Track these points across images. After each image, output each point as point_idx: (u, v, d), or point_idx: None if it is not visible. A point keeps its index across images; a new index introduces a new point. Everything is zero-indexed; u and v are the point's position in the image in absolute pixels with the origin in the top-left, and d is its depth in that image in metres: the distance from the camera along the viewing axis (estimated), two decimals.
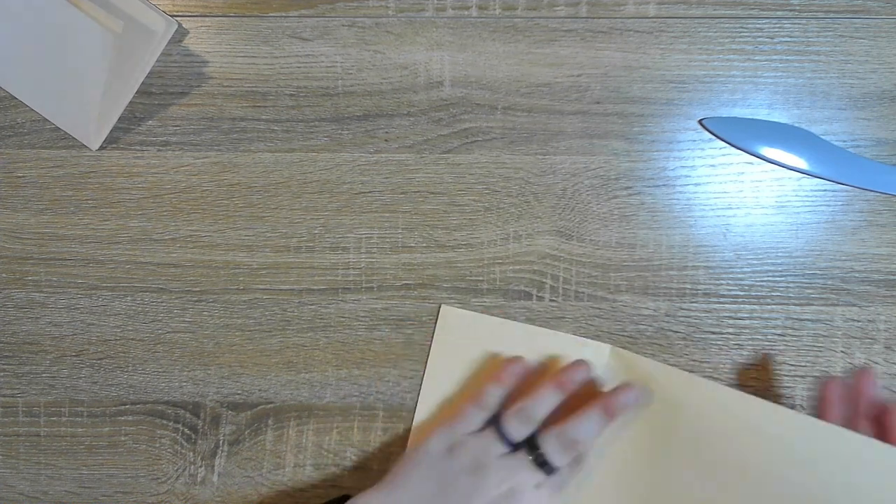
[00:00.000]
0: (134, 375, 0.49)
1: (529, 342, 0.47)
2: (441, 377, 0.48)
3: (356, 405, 0.49)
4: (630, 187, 0.47)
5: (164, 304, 0.49)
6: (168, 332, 0.49)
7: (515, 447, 0.42)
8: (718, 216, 0.47)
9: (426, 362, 0.48)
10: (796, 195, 0.47)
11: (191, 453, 0.49)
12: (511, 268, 0.48)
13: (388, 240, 0.48)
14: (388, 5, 0.47)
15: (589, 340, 0.47)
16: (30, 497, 0.49)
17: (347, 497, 0.43)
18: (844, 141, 0.47)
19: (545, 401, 0.43)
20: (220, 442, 0.49)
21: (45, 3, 0.45)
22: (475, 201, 0.48)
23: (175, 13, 0.48)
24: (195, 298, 0.49)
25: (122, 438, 0.49)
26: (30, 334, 0.49)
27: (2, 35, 0.47)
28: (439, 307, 0.48)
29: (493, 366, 0.47)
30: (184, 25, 0.48)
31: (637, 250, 0.48)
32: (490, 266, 0.48)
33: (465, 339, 0.48)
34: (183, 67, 0.48)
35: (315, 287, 0.48)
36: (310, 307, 0.48)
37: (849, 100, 0.47)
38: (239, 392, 0.49)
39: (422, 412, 0.48)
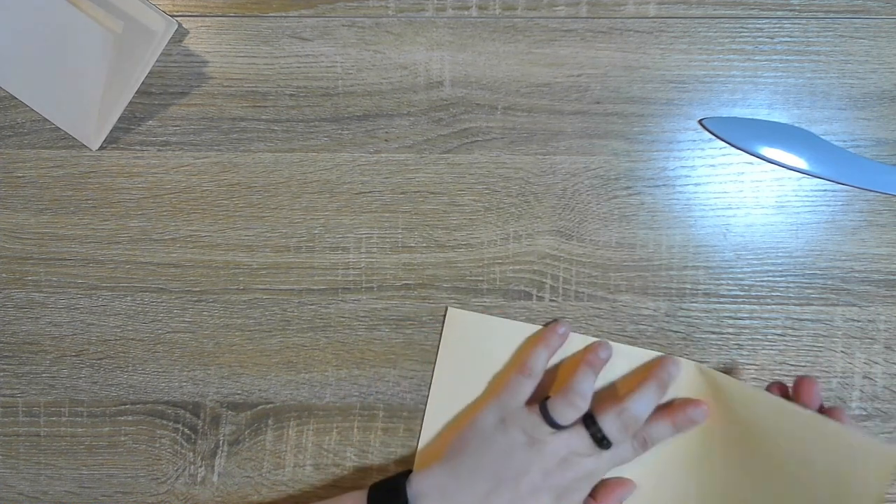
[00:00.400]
0: (134, 375, 0.49)
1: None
2: (450, 379, 0.48)
3: (356, 405, 0.49)
4: (630, 187, 0.47)
5: (164, 304, 0.49)
6: (168, 332, 0.49)
7: (563, 429, 0.43)
8: (718, 216, 0.47)
9: (434, 365, 0.48)
10: (796, 195, 0.47)
11: (191, 453, 0.49)
12: (511, 268, 0.48)
13: (388, 240, 0.48)
14: (388, 5, 0.47)
15: (590, 338, 0.47)
16: (30, 497, 0.49)
17: (409, 472, 0.44)
18: (844, 141, 0.47)
19: (585, 382, 0.44)
20: (220, 442, 0.49)
21: (45, 3, 0.46)
22: (475, 201, 0.48)
23: (175, 13, 0.48)
24: (195, 298, 0.49)
25: (122, 438, 0.49)
26: (30, 334, 0.49)
27: (2, 35, 0.47)
28: (446, 309, 0.48)
29: (516, 359, 0.47)
30: (184, 25, 0.48)
31: (637, 250, 0.48)
32: (490, 266, 0.48)
33: (473, 341, 0.48)
34: (183, 67, 0.48)
35: (315, 287, 0.48)
36: (310, 307, 0.48)
37: (849, 100, 0.47)
38: (239, 392, 0.49)
39: (432, 414, 0.48)
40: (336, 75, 0.48)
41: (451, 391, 0.48)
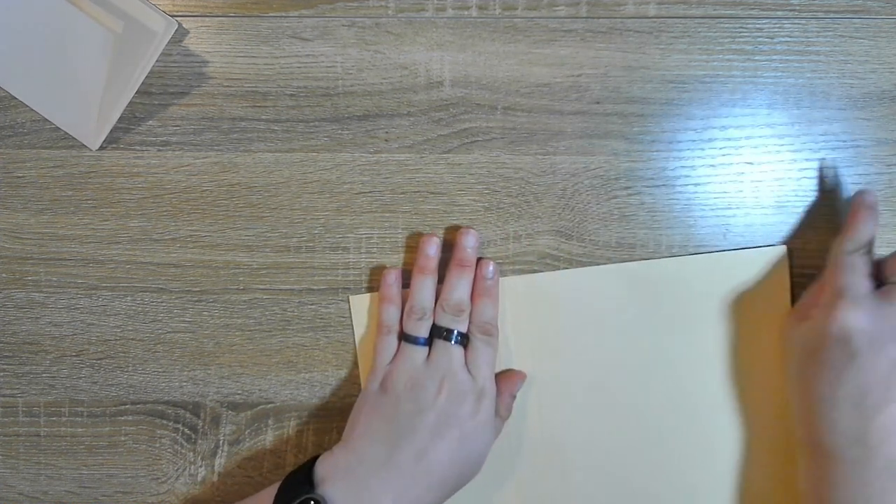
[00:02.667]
0: (134, 375, 0.49)
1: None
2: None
3: None
4: (630, 187, 0.47)
5: (164, 304, 0.49)
6: (168, 332, 0.49)
7: (428, 344, 0.44)
8: (718, 216, 0.47)
9: (355, 354, 0.48)
10: (796, 195, 0.47)
11: (191, 453, 0.49)
12: (511, 268, 0.48)
13: (388, 240, 0.48)
14: (388, 5, 0.47)
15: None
16: (30, 497, 0.49)
17: (312, 462, 0.43)
18: (844, 141, 0.47)
19: (423, 287, 0.45)
20: (220, 442, 0.49)
21: (45, 3, 0.45)
22: (475, 201, 0.48)
23: (175, 13, 0.48)
24: (195, 298, 0.49)
25: (122, 438, 0.49)
26: (30, 334, 0.49)
27: (2, 35, 0.47)
28: (348, 299, 0.48)
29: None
30: (184, 25, 0.48)
31: (637, 250, 0.48)
32: None
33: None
34: (183, 67, 0.48)
35: (315, 287, 0.48)
36: (310, 307, 0.48)
37: (849, 100, 0.47)
38: (239, 392, 0.49)
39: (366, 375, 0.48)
40: (336, 75, 0.48)
41: None
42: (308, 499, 0.40)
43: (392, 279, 0.46)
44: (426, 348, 0.44)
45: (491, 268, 0.46)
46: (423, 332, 0.44)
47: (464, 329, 0.45)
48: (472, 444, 0.43)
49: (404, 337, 0.45)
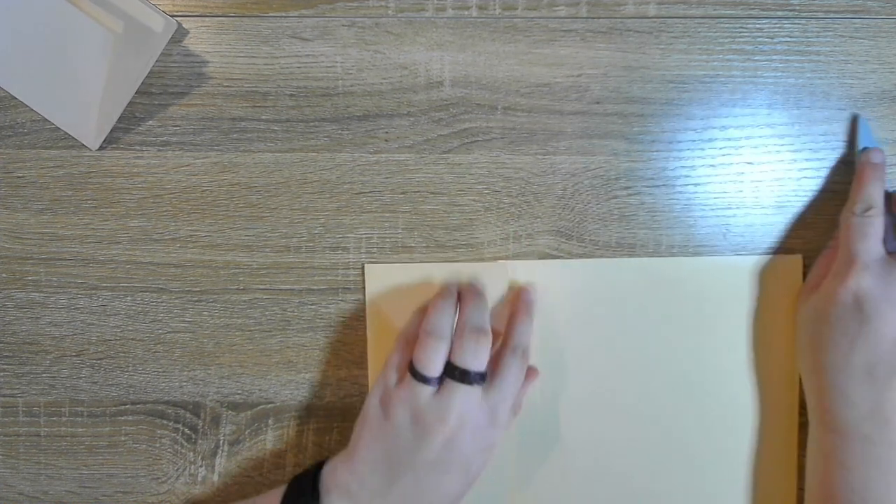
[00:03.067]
0: (134, 375, 0.49)
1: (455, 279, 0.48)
2: (383, 334, 0.48)
3: (356, 405, 0.49)
4: (630, 187, 0.47)
5: (164, 304, 0.49)
6: (168, 332, 0.49)
7: (438, 382, 0.41)
8: (718, 216, 0.47)
9: (366, 324, 0.48)
10: (796, 195, 0.47)
11: (191, 453, 0.49)
12: None
13: (388, 240, 0.48)
14: (388, 5, 0.47)
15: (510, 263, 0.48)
16: (30, 497, 0.49)
17: (317, 468, 0.43)
18: (844, 141, 0.47)
19: (433, 325, 0.42)
20: (220, 442, 0.49)
21: (45, 3, 0.45)
22: (475, 201, 0.48)
23: (175, 13, 0.48)
24: (195, 298, 0.49)
25: (123, 438, 0.49)
26: (30, 334, 0.49)
27: (2, 35, 0.47)
28: (363, 267, 0.48)
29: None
30: (184, 25, 0.48)
31: (637, 250, 0.48)
32: None
33: (395, 291, 0.48)
34: (183, 67, 0.48)
35: (315, 287, 0.48)
36: (310, 307, 0.48)
37: (849, 100, 0.47)
38: (239, 392, 0.49)
39: (373, 371, 0.48)
40: (336, 75, 0.48)
41: (386, 345, 0.46)
42: None
43: (422, 306, 0.45)
44: (436, 389, 0.41)
45: (527, 293, 0.45)
46: (434, 370, 0.41)
47: (483, 366, 0.41)
48: (477, 469, 0.42)
49: (412, 371, 0.41)
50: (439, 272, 0.48)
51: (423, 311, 0.44)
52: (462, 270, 0.48)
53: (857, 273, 0.40)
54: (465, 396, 0.40)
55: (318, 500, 0.40)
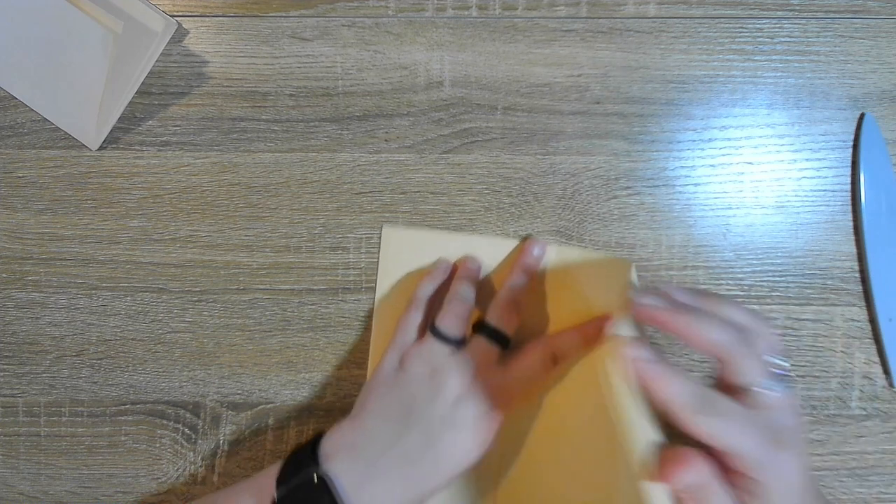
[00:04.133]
0: (134, 375, 0.49)
1: (471, 250, 0.47)
2: (391, 296, 0.48)
3: None
4: (630, 187, 0.47)
5: (164, 304, 0.49)
6: (168, 332, 0.49)
7: (458, 344, 0.42)
8: (718, 216, 0.47)
9: (375, 284, 0.48)
10: (796, 195, 0.47)
11: (191, 453, 0.49)
12: None
13: None
14: (388, 5, 0.47)
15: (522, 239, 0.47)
16: (30, 497, 0.49)
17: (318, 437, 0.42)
18: (844, 141, 0.47)
19: (463, 291, 0.44)
20: (220, 442, 0.49)
21: (45, 3, 0.45)
22: (475, 201, 0.48)
23: (175, 13, 0.48)
24: (195, 298, 0.49)
25: (123, 438, 0.49)
26: (30, 334, 0.49)
27: (2, 35, 0.47)
28: (381, 227, 0.48)
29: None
30: (184, 25, 0.48)
31: (637, 250, 0.48)
32: None
33: (409, 255, 0.48)
34: (183, 67, 0.48)
35: (315, 287, 0.48)
36: (310, 307, 0.48)
37: (849, 100, 0.47)
38: (239, 392, 0.49)
39: (377, 334, 0.48)
40: (336, 75, 0.48)
41: (394, 308, 0.47)
42: (312, 474, 0.38)
43: (444, 266, 0.46)
44: (455, 350, 0.42)
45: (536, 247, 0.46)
46: (458, 332, 0.42)
47: (512, 332, 0.43)
48: (484, 436, 0.41)
49: (433, 330, 0.42)
50: (456, 241, 0.47)
51: (434, 276, 0.46)
52: (480, 243, 0.47)
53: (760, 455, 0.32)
54: (485, 356, 0.42)
55: (318, 464, 0.39)
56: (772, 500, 0.32)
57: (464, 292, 0.44)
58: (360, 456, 0.39)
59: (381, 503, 0.38)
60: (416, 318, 0.44)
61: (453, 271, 0.47)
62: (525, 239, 0.47)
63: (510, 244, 0.47)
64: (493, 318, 0.43)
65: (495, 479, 0.46)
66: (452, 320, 0.42)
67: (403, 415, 0.40)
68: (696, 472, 0.32)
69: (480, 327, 0.43)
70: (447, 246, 0.47)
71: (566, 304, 0.46)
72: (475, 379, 0.41)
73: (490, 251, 0.47)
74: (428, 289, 0.45)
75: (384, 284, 0.48)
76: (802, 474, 0.33)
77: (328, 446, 0.40)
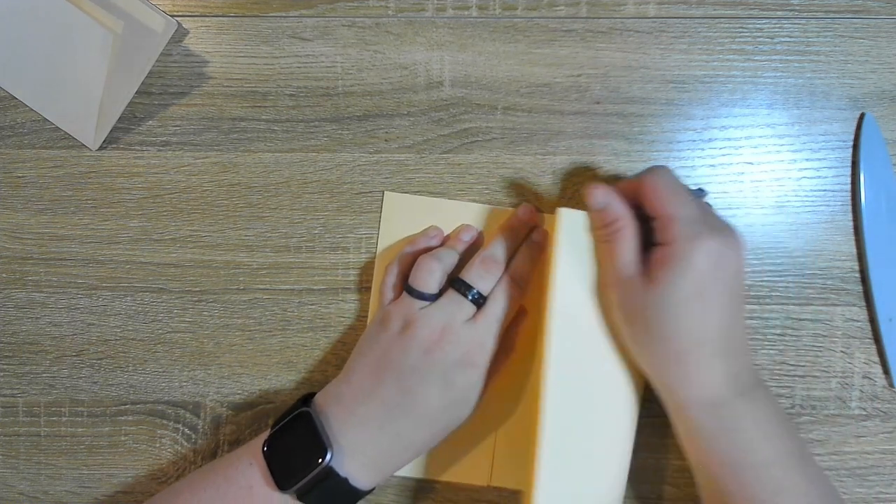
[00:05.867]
0: (134, 375, 0.49)
1: (471, 219, 0.48)
2: (390, 259, 0.47)
3: None
4: None
5: (164, 304, 0.49)
6: (168, 332, 0.49)
7: (431, 300, 0.43)
8: None
9: (376, 248, 0.48)
10: (796, 195, 0.47)
11: (191, 453, 0.49)
12: None
13: None
14: (388, 5, 0.47)
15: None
16: (30, 497, 0.49)
17: (312, 394, 0.44)
18: (844, 141, 0.47)
19: (440, 251, 0.45)
20: (220, 442, 0.49)
21: (46, 3, 0.45)
22: (475, 201, 0.48)
23: (175, 13, 0.48)
24: (195, 298, 0.49)
25: (123, 438, 0.49)
26: (30, 334, 0.49)
27: (2, 35, 0.47)
28: (383, 193, 0.48)
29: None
30: (184, 25, 0.48)
31: None
32: None
33: (410, 222, 0.48)
34: (183, 67, 0.48)
35: (315, 287, 0.48)
36: (310, 307, 0.48)
37: (849, 100, 0.47)
38: (239, 392, 0.49)
39: (375, 298, 0.48)
40: (336, 75, 0.48)
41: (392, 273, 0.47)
42: (302, 413, 0.42)
43: (433, 232, 0.47)
44: (428, 303, 0.43)
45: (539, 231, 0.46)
46: (429, 287, 0.43)
47: (486, 290, 0.43)
48: (461, 392, 0.42)
49: (407, 289, 0.44)
50: (457, 209, 0.48)
51: (417, 242, 0.46)
52: (481, 211, 0.48)
53: (691, 227, 0.38)
54: (455, 308, 0.42)
55: (308, 406, 0.42)
56: (675, 274, 0.38)
57: (440, 252, 0.45)
58: (343, 405, 0.42)
59: (363, 449, 0.41)
60: (392, 279, 0.45)
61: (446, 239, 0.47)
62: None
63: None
64: (466, 273, 0.44)
65: (495, 427, 0.47)
66: (423, 275, 0.43)
67: (380, 367, 0.42)
68: (603, 193, 0.41)
69: (452, 282, 0.44)
70: (448, 213, 0.48)
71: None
72: (444, 331, 0.41)
73: (491, 221, 0.47)
74: (408, 251, 0.46)
75: (384, 248, 0.48)
76: (718, 275, 0.38)
77: (319, 398, 0.43)
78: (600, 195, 0.41)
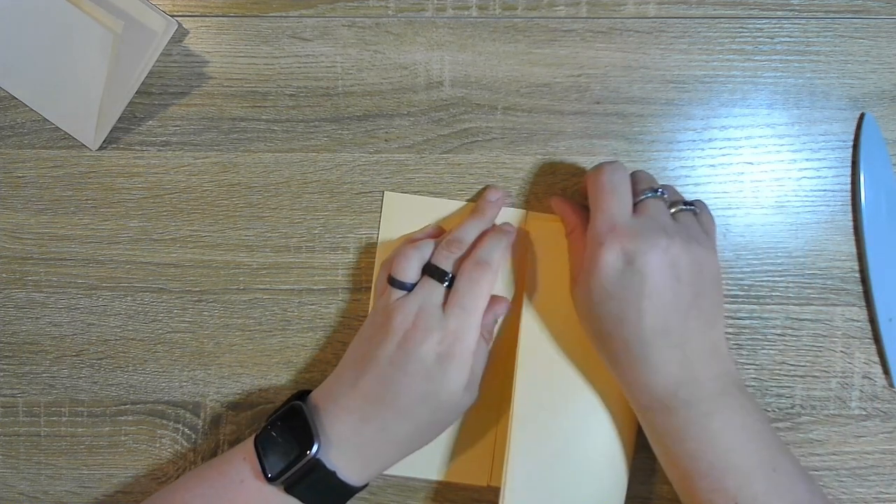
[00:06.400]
0: (134, 375, 0.49)
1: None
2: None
3: None
4: None
5: (164, 304, 0.49)
6: (168, 332, 0.49)
7: (410, 289, 0.43)
8: (718, 216, 0.47)
9: (376, 248, 0.48)
10: (796, 195, 0.47)
11: (191, 453, 0.49)
12: None
13: None
14: (388, 5, 0.47)
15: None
16: (30, 497, 0.49)
17: (308, 391, 0.45)
18: (844, 141, 0.47)
19: (423, 243, 0.44)
20: (220, 442, 0.49)
21: (45, 2, 0.45)
22: (475, 201, 0.48)
23: (175, 13, 0.48)
24: (195, 298, 0.49)
25: (123, 438, 0.49)
26: (30, 334, 0.49)
27: (2, 35, 0.47)
28: (383, 193, 0.48)
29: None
30: (184, 25, 0.48)
31: None
32: None
33: (410, 222, 0.48)
34: (183, 67, 0.48)
35: (315, 287, 0.48)
36: (310, 307, 0.48)
37: (849, 100, 0.47)
38: (239, 392, 0.49)
39: (375, 296, 0.48)
40: (336, 75, 0.48)
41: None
42: (293, 407, 0.42)
43: (429, 231, 0.47)
44: (407, 293, 0.43)
45: (499, 198, 0.47)
46: (407, 276, 0.43)
47: (452, 270, 0.43)
48: (439, 385, 0.41)
49: (389, 280, 0.44)
50: (457, 209, 0.48)
51: (413, 237, 0.47)
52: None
53: (619, 232, 0.39)
54: (427, 293, 0.42)
55: (304, 401, 0.43)
56: (587, 274, 0.40)
57: (419, 241, 0.45)
58: (331, 398, 0.42)
59: (350, 442, 0.41)
60: (384, 275, 0.45)
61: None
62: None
63: (512, 214, 0.47)
64: (435, 257, 0.44)
65: (495, 427, 0.47)
66: (401, 263, 0.43)
67: (363, 360, 0.42)
68: (557, 203, 0.46)
69: (424, 268, 0.44)
70: (448, 213, 0.48)
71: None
72: (418, 316, 0.42)
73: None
74: (394, 255, 0.46)
75: (384, 248, 0.48)
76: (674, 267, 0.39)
77: (313, 394, 0.44)
78: (555, 206, 0.46)
